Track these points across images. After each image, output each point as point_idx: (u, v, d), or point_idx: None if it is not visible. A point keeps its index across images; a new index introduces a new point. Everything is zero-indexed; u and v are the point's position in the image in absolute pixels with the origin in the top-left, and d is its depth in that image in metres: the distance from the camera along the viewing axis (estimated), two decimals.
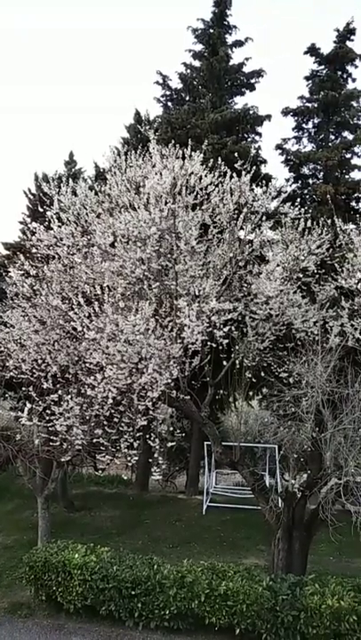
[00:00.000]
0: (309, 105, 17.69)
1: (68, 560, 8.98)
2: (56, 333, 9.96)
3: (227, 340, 9.38)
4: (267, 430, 10.19)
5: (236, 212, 9.90)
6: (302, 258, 10.29)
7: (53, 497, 13.17)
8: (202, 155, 9.99)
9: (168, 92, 18.69)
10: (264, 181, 10.68)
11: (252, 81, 18.35)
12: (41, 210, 11.90)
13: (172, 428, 11.05)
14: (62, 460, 10.16)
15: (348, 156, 17.17)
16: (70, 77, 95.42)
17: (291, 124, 18.13)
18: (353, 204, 17.18)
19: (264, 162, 17.25)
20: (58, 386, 9.60)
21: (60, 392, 9.40)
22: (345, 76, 17.78)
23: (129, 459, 9.03)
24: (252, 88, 18.47)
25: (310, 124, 18.07)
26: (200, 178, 9.90)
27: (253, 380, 10.89)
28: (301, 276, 10.36)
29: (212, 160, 10.30)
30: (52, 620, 9.00)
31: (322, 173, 17.48)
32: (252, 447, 16.67)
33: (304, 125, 18.07)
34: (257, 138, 18.01)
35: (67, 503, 15.78)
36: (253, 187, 10.23)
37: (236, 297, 9.87)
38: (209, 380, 10.25)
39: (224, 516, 15.12)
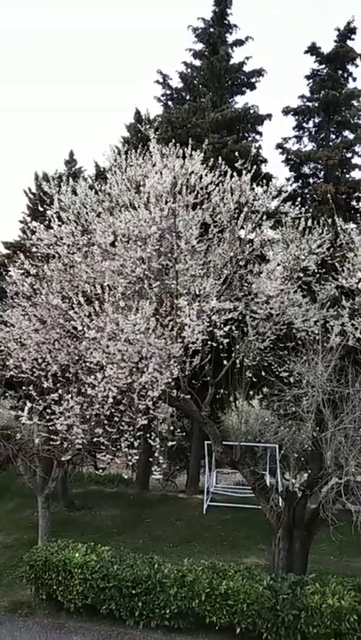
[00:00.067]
0: (310, 104, 17.68)
1: (69, 559, 8.98)
2: (56, 332, 9.95)
3: (227, 340, 9.38)
4: (267, 430, 10.19)
5: (237, 211, 9.90)
6: (303, 257, 10.29)
7: (54, 496, 13.18)
8: (202, 154, 10.00)
9: (168, 92, 18.68)
10: (265, 181, 10.69)
11: (253, 80, 18.34)
12: (41, 209, 11.91)
13: (172, 428, 11.05)
14: (63, 459, 10.15)
15: (349, 155, 17.16)
16: (70, 77, 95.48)
17: (291, 124, 18.16)
18: (354, 203, 17.17)
19: (265, 161, 17.24)
20: (58, 385, 9.60)
21: (60, 391, 9.40)
22: (346, 75, 17.76)
23: (129, 458, 9.04)
24: (252, 87, 18.45)
25: (311, 124, 18.07)
26: (200, 177, 9.89)
27: (254, 379, 10.89)
28: (302, 275, 10.36)
29: (212, 159, 10.30)
30: (53, 619, 9.00)
31: (322, 173, 17.47)
32: (252, 446, 16.68)
33: (305, 125, 18.06)
34: (257, 137, 18.02)
35: (67, 502, 15.79)
36: (254, 186, 10.23)
37: (236, 296, 9.87)
38: (209, 379, 10.25)
39: (225, 515, 15.13)
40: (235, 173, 10.05)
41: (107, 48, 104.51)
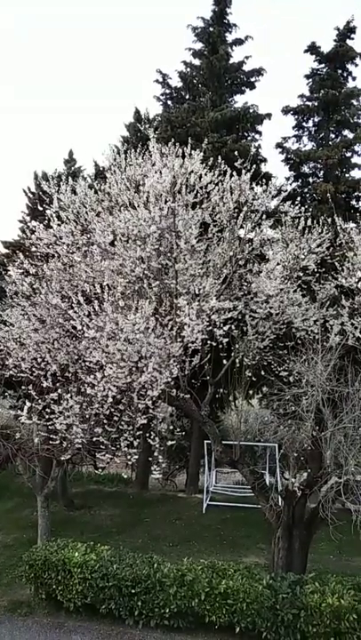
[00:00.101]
0: (310, 103, 17.67)
1: (68, 558, 8.98)
2: (56, 332, 9.95)
3: (227, 339, 9.38)
4: (267, 429, 10.18)
5: (237, 210, 9.89)
6: (302, 256, 10.30)
7: (53, 495, 13.18)
8: (202, 153, 9.99)
9: (168, 91, 18.66)
10: (264, 180, 10.68)
11: (253, 79, 18.33)
12: (40, 208, 11.94)
13: (172, 427, 11.03)
14: (62, 458, 10.15)
15: (349, 154, 17.16)
16: (70, 77, 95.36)
17: (291, 123, 18.17)
18: (353, 202, 17.18)
19: (264, 160, 17.23)
20: (57, 384, 9.60)
21: (59, 391, 9.40)
22: (345, 74, 17.77)
23: (129, 457, 9.04)
24: (252, 87, 18.44)
25: (310, 123, 18.07)
26: (200, 176, 9.88)
27: (253, 378, 10.89)
28: (302, 274, 10.37)
29: (211, 158, 10.29)
30: (52, 619, 9.00)
31: (322, 172, 17.46)
32: (252, 446, 16.67)
33: (304, 124, 18.06)
34: (257, 136, 18.01)
35: (67, 502, 15.79)
36: (253, 185, 10.21)
37: (236, 296, 9.87)
38: (209, 378, 10.24)
39: (224, 514, 15.14)
40: (234, 173, 10.03)
41: (106, 47, 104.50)
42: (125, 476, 19.46)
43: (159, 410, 9.48)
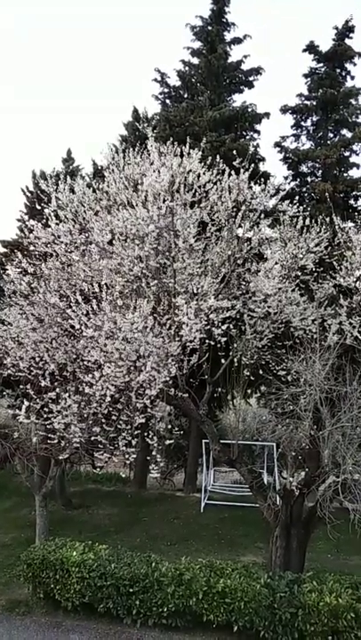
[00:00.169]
0: (308, 103, 17.65)
1: (66, 558, 8.98)
2: (54, 331, 9.94)
3: (225, 338, 9.39)
4: (265, 428, 10.19)
5: (235, 209, 9.89)
6: (301, 256, 10.31)
7: (51, 495, 13.17)
8: (200, 152, 9.99)
9: (166, 90, 18.62)
10: (262, 179, 10.67)
11: (251, 79, 18.29)
12: (39, 207, 11.95)
13: (170, 426, 11.05)
14: (60, 457, 10.15)
15: (347, 153, 17.14)
16: (69, 76, 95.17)
17: (289, 122, 18.11)
18: (351, 202, 17.17)
19: (263, 159, 17.22)
20: (56, 384, 9.59)
21: (57, 390, 9.40)
22: (344, 73, 17.73)
23: (127, 456, 9.01)
24: (250, 86, 18.41)
25: (309, 122, 18.04)
26: (198, 175, 9.89)
27: (252, 377, 10.90)
28: (300, 273, 10.38)
29: (210, 158, 10.28)
30: (50, 618, 9.00)
31: (320, 171, 17.46)
32: (250, 445, 16.68)
33: (303, 123, 18.04)
34: (255, 135, 17.97)
35: (65, 501, 15.78)
36: (252, 184, 10.21)
37: (234, 295, 9.87)
38: (207, 377, 10.24)
39: (222, 513, 15.14)
40: (233, 172, 10.03)
41: (105, 46, 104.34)
42: (123, 476, 19.42)
43: (157, 409, 9.47)
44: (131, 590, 8.51)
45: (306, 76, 17.92)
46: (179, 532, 13.76)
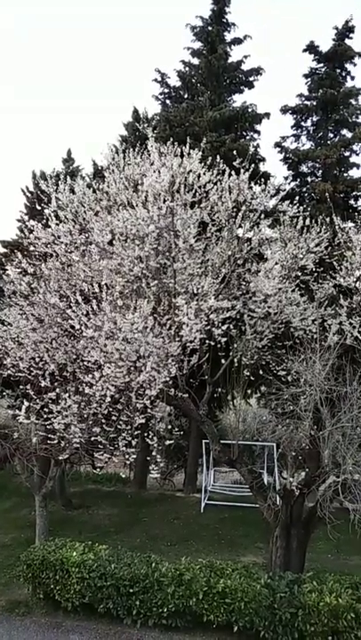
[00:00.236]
0: (308, 103, 17.66)
1: (66, 558, 8.97)
2: (54, 331, 9.94)
3: (225, 339, 9.38)
4: (265, 428, 10.19)
5: (235, 209, 9.88)
6: (301, 256, 10.31)
7: (51, 495, 13.17)
8: (200, 152, 9.98)
9: (167, 90, 18.62)
10: (263, 179, 10.68)
11: (251, 79, 18.29)
12: (39, 208, 11.95)
13: (170, 426, 11.04)
14: (60, 458, 10.14)
15: (347, 153, 17.15)
16: (69, 76, 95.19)
17: (290, 122, 18.12)
18: (351, 202, 17.18)
19: (263, 160, 17.22)
20: (56, 384, 9.59)
21: (57, 390, 9.40)
22: (344, 73, 17.73)
23: (127, 457, 9.01)
24: (250, 86, 18.42)
25: (309, 122, 18.04)
26: (198, 176, 9.89)
27: (252, 378, 10.90)
28: (300, 274, 10.38)
29: (210, 158, 10.28)
30: (50, 619, 8.99)
31: (320, 171, 17.47)
32: (250, 445, 16.68)
33: (303, 123, 18.04)
34: (256, 136, 17.98)
35: (65, 501, 15.78)
36: (252, 185, 10.21)
37: (234, 295, 9.87)
38: (207, 378, 10.24)
39: (222, 513, 15.14)
40: (233, 172, 10.03)
41: (105, 47, 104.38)
42: (123, 476, 19.43)
43: (157, 409, 9.48)
44: (131, 591, 8.50)
45: (306, 76, 17.93)
46: (179, 533, 13.75)
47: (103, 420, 9.24)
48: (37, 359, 9.88)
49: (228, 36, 18.12)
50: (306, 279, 10.64)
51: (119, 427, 9.17)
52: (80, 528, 13.71)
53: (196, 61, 18.19)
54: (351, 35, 17.41)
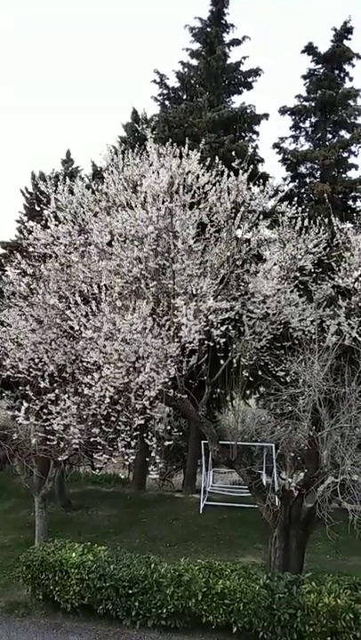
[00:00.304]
0: (307, 104, 17.67)
1: (66, 559, 8.97)
2: (53, 332, 9.94)
3: (224, 339, 9.39)
4: (264, 429, 10.21)
5: (234, 210, 9.90)
6: (299, 257, 10.32)
7: (50, 496, 13.15)
8: (199, 153, 9.99)
9: (165, 91, 18.63)
10: (261, 180, 10.68)
11: (250, 80, 18.31)
12: (38, 208, 11.91)
13: (169, 427, 11.08)
14: (59, 459, 10.14)
15: (346, 154, 17.17)
16: (69, 77, 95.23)
17: (288, 123, 18.12)
18: (350, 202, 17.20)
19: (261, 161, 17.23)
20: (55, 385, 9.59)
21: (57, 391, 9.40)
22: (342, 74, 17.75)
23: (126, 458, 9.02)
24: (249, 87, 18.43)
25: (308, 123, 18.05)
26: (197, 177, 9.90)
27: (251, 378, 10.91)
28: (299, 274, 10.39)
29: (209, 159, 10.29)
30: (49, 619, 8.99)
31: (319, 172, 17.48)
32: (249, 446, 16.70)
33: (301, 124, 18.04)
34: (254, 137, 17.99)
35: (64, 502, 15.76)
36: (251, 185, 10.23)
37: (233, 296, 9.88)
38: (206, 378, 10.25)
39: (221, 514, 15.14)
40: (231, 173, 10.04)
41: (105, 47, 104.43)
42: (123, 477, 19.45)
43: (156, 410, 9.49)
44: (130, 591, 8.51)
45: (305, 77, 17.94)
46: (178, 533, 13.76)
47: (102, 421, 9.24)
48: (37, 360, 9.87)
49: (227, 37, 18.15)
50: (305, 280, 10.66)
51: (118, 427, 9.17)
52: (79, 529, 13.71)
53: (194, 62, 18.21)
54: (350, 36, 17.44)
